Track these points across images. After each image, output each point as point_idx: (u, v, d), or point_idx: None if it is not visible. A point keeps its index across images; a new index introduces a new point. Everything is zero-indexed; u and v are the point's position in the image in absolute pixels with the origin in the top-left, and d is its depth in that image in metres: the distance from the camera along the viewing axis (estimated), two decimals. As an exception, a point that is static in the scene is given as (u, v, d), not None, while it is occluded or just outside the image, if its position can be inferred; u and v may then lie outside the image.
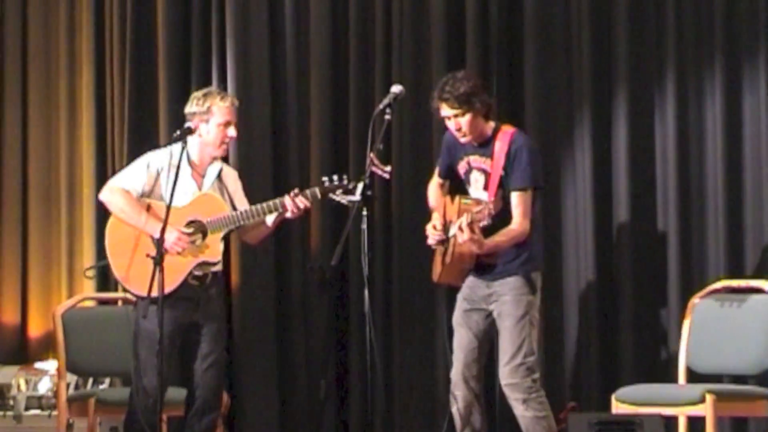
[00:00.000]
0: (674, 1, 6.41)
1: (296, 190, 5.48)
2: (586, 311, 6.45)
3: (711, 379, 5.84)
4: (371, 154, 5.25)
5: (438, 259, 5.51)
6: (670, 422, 5.71)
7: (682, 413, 5.66)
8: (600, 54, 6.48)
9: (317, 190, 5.47)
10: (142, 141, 6.72)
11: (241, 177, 5.74)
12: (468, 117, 5.31)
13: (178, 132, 5.35)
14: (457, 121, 5.32)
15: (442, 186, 5.61)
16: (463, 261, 5.36)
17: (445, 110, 5.32)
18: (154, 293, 5.14)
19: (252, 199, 5.92)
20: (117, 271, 5.48)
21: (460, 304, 5.47)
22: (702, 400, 5.47)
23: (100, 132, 7.09)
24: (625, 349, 6.35)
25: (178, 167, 5.24)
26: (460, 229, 5.15)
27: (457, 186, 5.58)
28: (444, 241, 5.41)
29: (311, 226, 6.78)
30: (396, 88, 5.38)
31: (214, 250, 5.45)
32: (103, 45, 7.12)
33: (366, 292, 5.27)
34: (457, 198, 5.39)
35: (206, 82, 6.80)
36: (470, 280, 5.44)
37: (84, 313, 6.27)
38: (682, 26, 6.41)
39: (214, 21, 6.91)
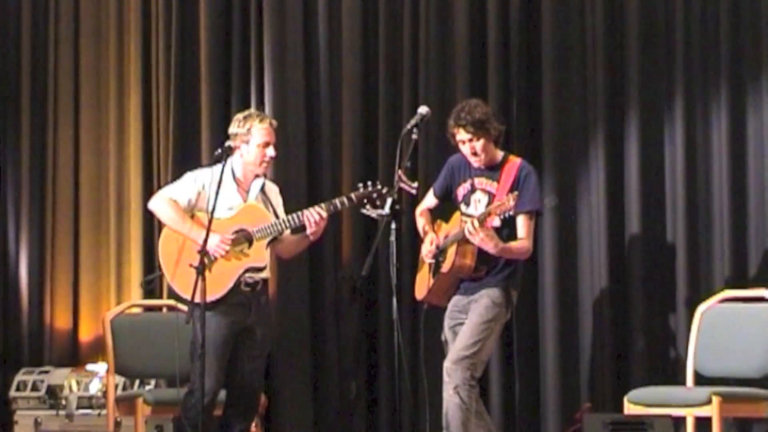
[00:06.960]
0: (683, 28, 6.52)
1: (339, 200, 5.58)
2: (599, 318, 6.53)
3: (717, 382, 5.91)
4: (399, 171, 5.42)
5: (424, 277, 5.62)
6: (679, 422, 5.78)
7: (690, 414, 5.73)
8: (613, 77, 6.58)
9: (353, 196, 5.56)
10: (186, 159, 6.90)
11: (278, 192, 5.84)
12: (482, 141, 5.47)
13: (219, 151, 5.43)
14: (472, 145, 5.47)
15: (430, 210, 5.73)
16: (462, 272, 5.47)
17: (461, 134, 5.47)
18: (198, 299, 5.21)
19: (286, 212, 6.13)
20: (172, 281, 5.53)
21: (447, 323, 5.59)
22: (708, 402, 5.57)
23: (146, 150, 7.24)
24: (636, 354, 6.42)
25: (220, 180, 5.32)
26: (469, 231, 5.25)
27: (442, 209, 5.71)
28: (438, 256, 5.51)
29: (343, 239, 6.89)
30: (422, 110, 5.53)
31: (260, 255, 5.49)
32: (149, 70, 7.28)
33: (394, 300, 5.41)
34: (456, 213, 5.53)
35: (245, 104, 6.96)
36: (454, 299, 5.57)
37: (131, 319, 6.36)
38: (689, 52, 6.52)
39: (253, 47, 7.05)
